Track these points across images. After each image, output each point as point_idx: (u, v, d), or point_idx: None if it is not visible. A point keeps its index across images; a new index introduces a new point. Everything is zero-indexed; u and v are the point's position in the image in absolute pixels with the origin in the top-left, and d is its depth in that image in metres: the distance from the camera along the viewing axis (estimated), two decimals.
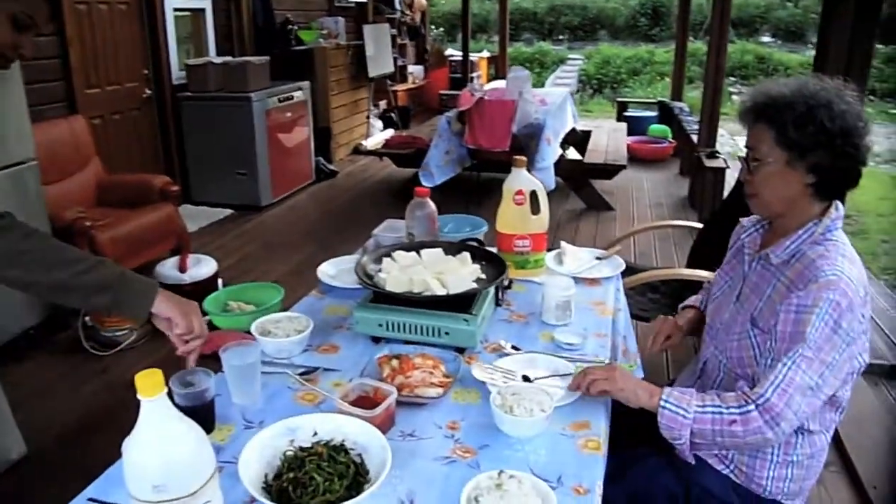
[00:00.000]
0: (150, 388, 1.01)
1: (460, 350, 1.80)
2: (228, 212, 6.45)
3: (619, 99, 11.22)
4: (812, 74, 1.68)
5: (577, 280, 2.12)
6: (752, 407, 1.51)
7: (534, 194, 2.17)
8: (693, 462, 1.65)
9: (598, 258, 2.38)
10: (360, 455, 1.37)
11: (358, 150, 8.88)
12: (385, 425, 1.48)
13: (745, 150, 1.70)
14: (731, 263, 1.90)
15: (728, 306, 1.80)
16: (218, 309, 2.72)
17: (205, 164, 6.54)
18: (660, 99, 10.39)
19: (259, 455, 1.35)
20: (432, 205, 2.24)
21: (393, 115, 9.87)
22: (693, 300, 2.11)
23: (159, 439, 1.04)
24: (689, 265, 3.57)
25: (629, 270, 2.41)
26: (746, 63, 16.43)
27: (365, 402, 1.51)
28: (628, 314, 2.38)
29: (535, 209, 2.18)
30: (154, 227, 4.80)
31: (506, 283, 2.10)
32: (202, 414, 1.51)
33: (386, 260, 1.97)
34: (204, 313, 2.44)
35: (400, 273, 1.88)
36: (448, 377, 1.63)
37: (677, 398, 1.56)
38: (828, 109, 1.53)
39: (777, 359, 1.53)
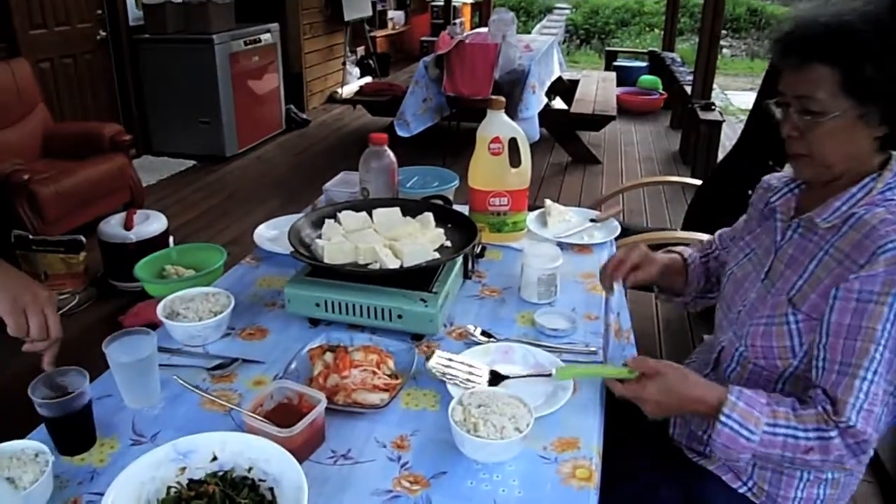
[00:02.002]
0: None
1: (418, 337, 1.45)
2: (191, 163, 6.05)
3: (609, 48, 10.76)
4: None
5: (563, 246, 1.76)
6: (834, 433, 1.16)
7: (513, 142, 1.79)
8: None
9: (592, 220, 2.01)
10: (271, 490, 1.02)
11: (333, 99, 8.43)
12: (310, 444, 1.13)
13: (788, 98, 1.26)
14: (753, 232, 1.52)
15: (754, 285, 1.42)
16: (152, 275, 2.36)
17: (165, 112, 6.12)
18: (650, 49, 9.95)
19: (134, 492, 1.00)
20: (391, 154, 1.86)
21: (371, 61, 9.36)
22: (679, 249, 1.72)
23: None
24: (686, 227, 3.25)
25: (621, 232, 2.04)
26: (738, 16, 15.90)
27: (286, 412, 1.15)
28: (622, 286, 2.02)
29: (515, 160, 1.81)
30: (104, 179, 4.46)
31: (477, 250, 1.73)
32: (75, 427, 1.17)
33: (328, 223, 1.59)
34: (136, 279, 2.09)
35: (343, 239, 1.51)
36: (397, 377, 1.27)
37: (743, 414, 1.18)
38: None
39: (844, 367, 1.18)
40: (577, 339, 1.48)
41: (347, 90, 8.34)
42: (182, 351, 1.43)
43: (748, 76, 11.82)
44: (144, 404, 1.27)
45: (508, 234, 1.90)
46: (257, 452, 1.05)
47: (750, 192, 2.78)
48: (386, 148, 1.85)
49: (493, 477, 1.09)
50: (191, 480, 1.02)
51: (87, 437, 1.18)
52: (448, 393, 1.25)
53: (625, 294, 1.80)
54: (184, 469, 1.04)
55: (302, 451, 1.10)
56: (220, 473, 1.03)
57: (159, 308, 1.46)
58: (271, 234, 1.92)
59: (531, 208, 2.00)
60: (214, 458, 1.06)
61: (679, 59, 8.14)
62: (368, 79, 8.78)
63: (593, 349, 1.43)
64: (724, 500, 1.40)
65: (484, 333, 1.47)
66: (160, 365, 1.34)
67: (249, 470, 1.04)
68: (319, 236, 1.55)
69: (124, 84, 5.97)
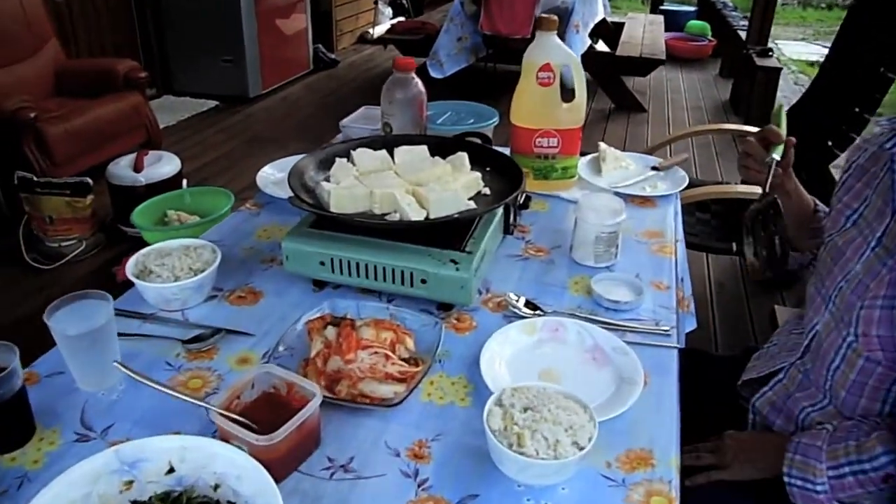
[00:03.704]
0: None
1: (446, 307, 1.16)
2: (213, 103, 5.77)
3: None
4: None
5: (620, 198, 1.46)
6: None
7: (566, 72, 1.48)
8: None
9: (654, 168, 1.70)
10: None
11: (364, 39, 8.07)
12: (299, 452, 0.85)
13: None
14: (852, 190, 1.20)
15: (861, 253, 1.11)
16: (153, 221, 2.10)
17: (187, 51, 5.82)
18: None
19: None
20: (419, 84, 1.55)
21: (404, 1, 8.94)
22: None
23: None
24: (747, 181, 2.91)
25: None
26: None
27: (271, 406, 0.88)
28: (684, 246, 1.71)
29: (568, 94, 1.50)
30: (117, 119, 4.20)
31: (521, 200, 1.43)
32: (4, 417, 0.90)
33: (339, 162, 1.30)
34: (133, 226, 1.84)
35: (355, 183, 1.22)
36: (417, 361, 0.99)
37: (801, 468, 1.07)
38: None
39: None
40: (645, 313, 1.19)
41: (379, 30, 7.96)
42: (157, 317, 1.17)
43: (799, 26, 11.20)
44: (100, 387, 1.01)
45: (557, 182, 1.60)
46: (226, 465, 0.78)
47: (830, 142, 2.43)
48: (413, 75, 1.54)
49: (541, 503, 0.81)
50: (133, 503, 0.76)
51: (20, 429, 0.93)
52: (483, 383, 0.97)
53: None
54: (130, 483, 0.78)
55: (287, 461, 0.83)
56: (176, 493, 0.77)
57: (129, 264, 1.18)
58: (277, 176, 1.64)
59: (583, 153, 1.70)
60: (171, 471, 0.79)
61: (731, 4, 7.63)
62: (401, 19, 8.38)
63: (665, 328, 1.14)
64: None
65: (528, 304, 1.18)
66: (129, 335, 1.09)
67: (216, 488, 0.78)
68: (327, 179, 1.26)
69: (144, 20, 5.67)
